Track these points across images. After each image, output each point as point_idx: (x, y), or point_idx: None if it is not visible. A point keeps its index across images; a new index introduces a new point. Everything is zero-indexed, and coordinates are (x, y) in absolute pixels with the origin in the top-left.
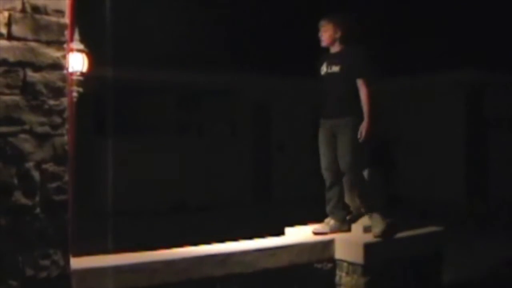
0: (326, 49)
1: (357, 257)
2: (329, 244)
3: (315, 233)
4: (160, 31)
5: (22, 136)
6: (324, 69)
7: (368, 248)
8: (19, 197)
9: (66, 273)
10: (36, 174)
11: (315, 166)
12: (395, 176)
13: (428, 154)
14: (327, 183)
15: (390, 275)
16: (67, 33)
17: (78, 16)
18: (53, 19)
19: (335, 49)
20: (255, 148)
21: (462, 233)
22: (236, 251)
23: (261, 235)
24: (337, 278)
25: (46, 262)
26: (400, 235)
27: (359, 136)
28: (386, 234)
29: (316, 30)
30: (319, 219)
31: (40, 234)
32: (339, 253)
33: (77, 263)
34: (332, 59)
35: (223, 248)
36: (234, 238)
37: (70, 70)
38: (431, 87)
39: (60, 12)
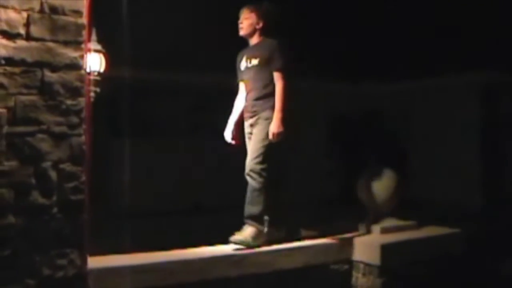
0: (246, 43)
1: (373, 258)
2: (346, 245)
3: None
4: (177, 33)
5: (40, 136)
6: (243, 64)
7: (384, 249)
8: (36, 197)
9: (82, 273)
10: (53, 174)
11: (329, 168)
12: (410, 178)
13: (444, 156)
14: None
15: (406, 277)
16: (84, 33)
17: (95, 17)
18: (71, 19)
19: (254, 40)
20: None
21: (477, 235)
22: (252, 251)
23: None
24: (353, 279)
25: (63, 262)
26: (416, 236)
27: (270, 137)
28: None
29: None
30: (332, 220)
31: (57, 234)
32: (356, 254)
33: (94, 262)
34: (251, 52)
35: (238, 248)
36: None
37: (88, 70)
38: (445, 88)
39: (77, 13)
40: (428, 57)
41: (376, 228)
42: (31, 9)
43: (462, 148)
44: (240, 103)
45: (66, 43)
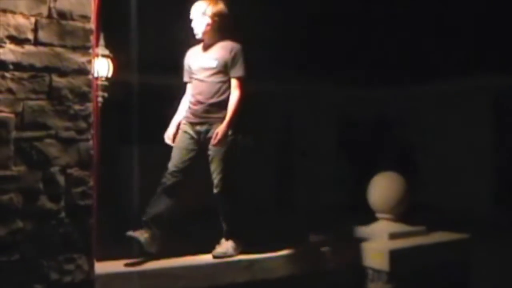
0: (196, 40)
1: (382, 264)
2: (354, 250)
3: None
4: (187, 38)
5: (48, 140)
6: (197, 63)
7: (393, 255)
8: (44, 202)
9: (90, 278)
10: (61, 179)
11: (339, 173)
12: (419, 183)
13: (454, 161)
14: (160, 192)
15: (415, 282)
16: (92, 38)
17: (103, 22)
18: (79, 24)
19: (210, 41)
20: (278, 154)
21: (488, 241)
22: (260, 257)
23: (286, 241)
24: (362, 285)
25: (70, 267)
26: (425, 242)
27: (212, 142)
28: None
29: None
30: (342, 226)
31: (64, 239)
32: (364, 260)
33: (102, 267)
34: (208, 52)
35: (247, 254)
36: (258, 244)
37: (95, 75)
38: (456, 93)
39: (85, 18)
40: (438, 63)
41: (385, 234)
42: (39, 15)
43: (472, 153)
44: (186, 104)
45: (74, 48)
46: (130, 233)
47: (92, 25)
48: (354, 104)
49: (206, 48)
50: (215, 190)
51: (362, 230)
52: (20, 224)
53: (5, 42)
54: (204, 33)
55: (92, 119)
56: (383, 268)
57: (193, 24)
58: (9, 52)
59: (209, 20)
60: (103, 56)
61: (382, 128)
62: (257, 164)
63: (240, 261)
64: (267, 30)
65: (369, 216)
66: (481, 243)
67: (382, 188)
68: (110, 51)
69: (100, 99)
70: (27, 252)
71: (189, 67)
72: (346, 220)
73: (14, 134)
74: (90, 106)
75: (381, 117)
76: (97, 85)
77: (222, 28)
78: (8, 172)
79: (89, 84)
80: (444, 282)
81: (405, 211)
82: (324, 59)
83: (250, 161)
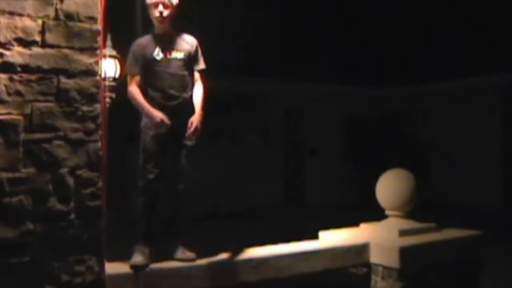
0: (150, 30)
1: (392, 261)
2: (364, 248)
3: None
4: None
5: (57, 142)
6: (158, 53)
7: (404, 252)
8: (54, 203)
9: (100, 279)
10: (70, 180)
11: (347, 172)
12: (430, 180)
13: (464, 159)
14: (149, 203)
15: (426, 280)
16: (99, 39)
17: (110, 22)
18: (86, 26)
19: (164, 31)
20: (287, 153)
21: (498, 239)
22: (270, 256)
23: (295, 240)
24: (372, 282)
25: (81, 268)
26: (436, 239)
27: (188, 132)
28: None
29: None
30: (352, 224)
31: (74, 240)
32: (374, 257)
33: (112, 268)
34: (170, 43)
35: (257, 253)
36: (268, 244)
37: (103, 76)
38: (465, 91)
39: (92, 19)
40: (448, 61)
41: (395, 231)
42: (47, 17)
43: (482, 150)
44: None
45: (81, 50)
46: (134, 262)
47: (99, 26)
48: (363, 102)
49: (162, 38)
50: (178, 186)
51: (372, 227)
52: (30, 225)
53: (12, 45)
54: (164, 21)
55: (100, 120)
56: (394, 265)
57: (160, 9)
58: (17, 55)
59: (172, 9)
60: (111, 57)
61: (392, 125)
62: (267, 163)
63: (250, 260)
64: (274, 30)
65: (378, 214)
66: (491, 240)
67: (392, 185)
68: (118, 52)
69: (108, 100)
70: (37, 253)
71: (148, 58)
72: (355, 218)
73: (23, 136)
74: (98, 107)
75: (391, 114)
76: (104, 86)
77: (175, 19)
78: (17, 174)
79: (97, 85)
80: (454, 279)
81: (415, 207)
82: (332, 56)
83: (260, 160)
